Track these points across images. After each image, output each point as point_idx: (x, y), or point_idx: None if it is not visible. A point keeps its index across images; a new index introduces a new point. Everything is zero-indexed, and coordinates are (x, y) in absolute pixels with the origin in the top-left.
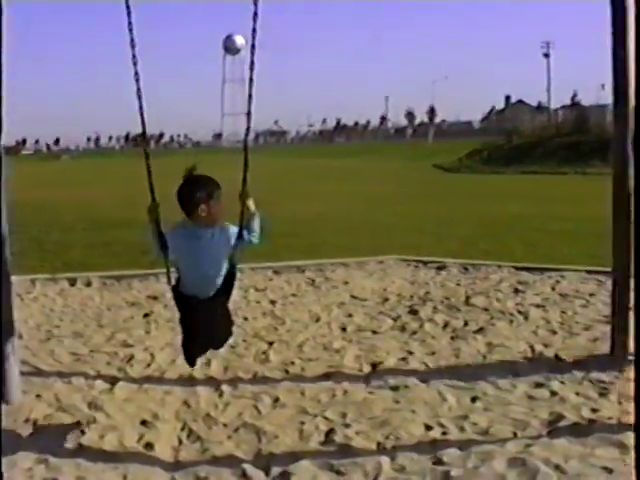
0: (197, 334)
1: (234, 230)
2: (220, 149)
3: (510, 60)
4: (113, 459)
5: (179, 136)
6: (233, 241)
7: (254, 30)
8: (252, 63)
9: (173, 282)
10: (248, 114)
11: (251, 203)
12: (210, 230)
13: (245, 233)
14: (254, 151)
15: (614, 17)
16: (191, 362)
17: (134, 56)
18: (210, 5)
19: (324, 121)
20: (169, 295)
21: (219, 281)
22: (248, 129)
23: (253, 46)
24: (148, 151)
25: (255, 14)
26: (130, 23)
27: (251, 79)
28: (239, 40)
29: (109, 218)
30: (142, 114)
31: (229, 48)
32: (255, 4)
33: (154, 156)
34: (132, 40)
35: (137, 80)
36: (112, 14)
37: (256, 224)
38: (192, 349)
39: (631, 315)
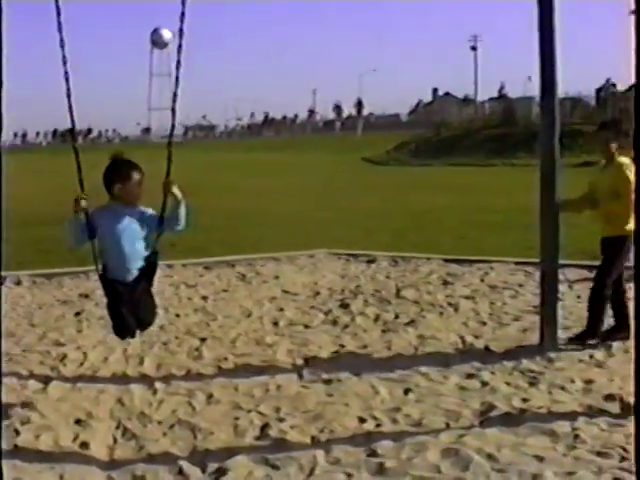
0: (122, 315)
1: (153, 215)
2: (149, 144)
3: (437, 53)
4: (49, 459)
5: (107, 131)
6: (153, 225)
7: (181, 30)
8: (178, 62)
9: (100, 270)
10: (173, 111)
11: (177, 191)
12: (128, 210)
13: (168, 221)
14: (183, 146)
15: (541, 11)
16: (122, 336)
17: (64, 56)
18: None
19: (252, 115)
20: (100, 293)
21: (139, 264)
22: (173, 126)
23: (180, 46)
24: (77, 147)
25: (182, 14)
26: (60, 23)
27: (177, 78)
28: (166, 34)
29: (38, 215)
30: (71, 112)
31: (156, 42)
32: (183, 4)
33: (83, 151)
34: (61, 40)
35: (67, 79)
36: (37, 12)
37: (182, 211)
38: (121, 329)
39: (560, 305)
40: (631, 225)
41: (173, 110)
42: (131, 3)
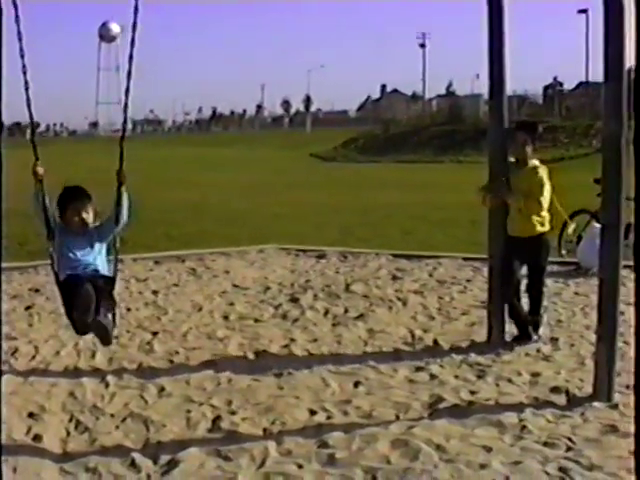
0: (80, 304)
1: (104, 225)
2: (96, 138)
3: (386, 50)
4: (2, 452)
5: (55, 125)
6: (108, 232)
7: (134, 24)
8: (131, 57)
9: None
10: (125, 106)
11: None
12: (84, 234)
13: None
14: (132, 140)
15: (490, 8)
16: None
17: (21, 49)
18: None
19: (200, 110)
20: (50, 287)
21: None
22: (125, 119)
23: (133, 39)
24: (30, 139)
25: (136, 7)
26: (17, 17)
27: (129, 72)
28: (115, 28)
29: None
30: (29, 105)
31: (104, 36)
32: None
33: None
34: (19, 32)
35: (24, 73)
36: None
37: (124, 202)
38: (78, 320)
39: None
40: (547, 227)
41: (125, 104)
42: None
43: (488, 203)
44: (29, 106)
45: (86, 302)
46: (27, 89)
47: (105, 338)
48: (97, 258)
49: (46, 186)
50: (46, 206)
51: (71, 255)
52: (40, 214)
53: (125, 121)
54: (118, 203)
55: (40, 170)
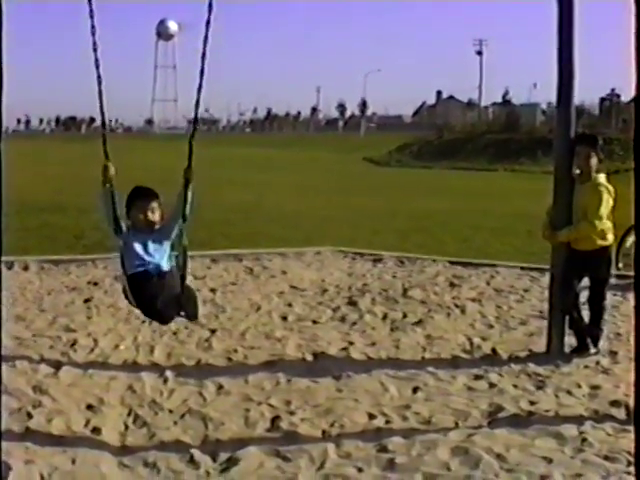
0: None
1: (173, 222)
2: (152, 135)
3: (443, 56)
4: (61, 443)
5: (110, 121)
6: (174, 230)
7: (208, 22)
8: (204, 55)
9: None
10: (197, 103)
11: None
12: (151, 233)
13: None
14: (185, 138)
15: (560, 17)
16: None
17: (94, 43)
18: None
19: (255, 110)
20: (109, 281)
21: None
22: (196, 118)
23: (206, 37)
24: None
25: (210, 5)
26: (91, 10)
27: (202, 69)
28: (172, 26)
29: (41, 202)
30: (101, 99)
31: (162, 34)
32: None
33: (86, 140)
34: (92, 27)
35: (97, 67)
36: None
37: (190, 199)
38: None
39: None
40: (609, 240)
41: (197, 102)
42: None
43: (550, 240)
44: (101, 100)
45: (155, 295)
46: (100, 83)
47: (193, 312)
48: (163, 256)
49: (115, 186)
50: (115, 205)
51: (137, 253)
52: (110, 213)
53: (196, 119)
54: (184, 200)
55: (111, 170)
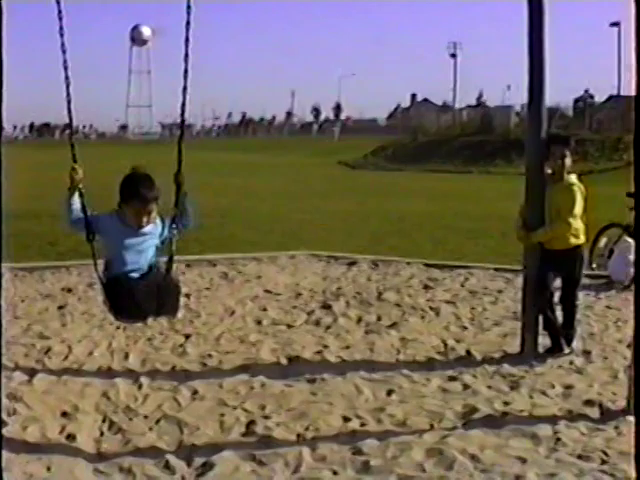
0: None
1: (163, 226)
2: (126, 141)
3: (417, 59)
4: (36, 450)
5: (84, 127)
6: (164, 233)
7: (188, 23)
8: (186, 55)
9: (101, 268)
10: (182, 105)
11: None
12: (143, 230)
13: (180, 219)
14: (161, 144)
15: (530, 18)
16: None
17: (63, 44)
18: None
19: (229, 115)
20: (82, 288)
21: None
22: (182, 121)
23: (187, 39)
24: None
25: (188, 6)
26: (60, 12)
27: (186, 70)
28: (146, 31)
29: (14, 209)
30: (69, 103)
31: (136, 39)
32: None
33: (60, 146)
34: (61, 28)
35: (65, 68)
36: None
37: (190, 207)
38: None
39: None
40: (581, 239)
41: (183, 104)
42: None
43: (524, 241)
44: (69, 102)
45: (136, 302)
46: (68, 85)
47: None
48: (149, 259)
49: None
50: (85, 210)
51: (122, 255)
52: (79, 218)
53: (182, 122)
54: (177, 206)
55: (79, 173)
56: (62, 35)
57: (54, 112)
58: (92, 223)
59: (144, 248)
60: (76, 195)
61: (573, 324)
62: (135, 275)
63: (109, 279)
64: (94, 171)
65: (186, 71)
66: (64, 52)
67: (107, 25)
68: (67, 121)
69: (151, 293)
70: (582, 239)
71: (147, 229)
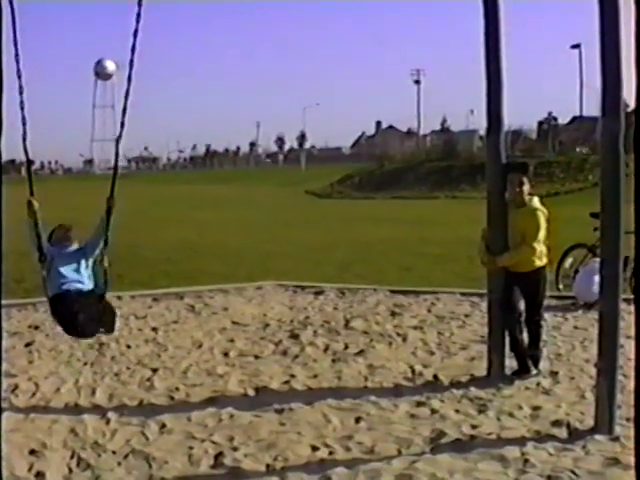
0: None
1: (94, 242)
2: (92, 176)
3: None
4: None
5: (50, 162)
6: (95, 249)
7: (131, 61)
8: (127, 93)
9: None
10: (118, 137)
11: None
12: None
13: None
14: (127, 177)
15: (487, 45)
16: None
17: (20, 86)
18: (80, 30)
19: (194, 147)
20: (49, 324)
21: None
22: (117, 152)
23: (129, 77)
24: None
25: (133, 46)
26: (17, 55)
27: (124, 108)
28: (110, 65)
29: None
30: (25, 140)
31: (100, 73)
32: (134, 36)
33: (26, 182)
34: (18, 70)
35: (22, 108)
36: None
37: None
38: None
39: (506, 334)
40: (544, 261)
41: (119, 136)
42: (74, 34)
43: (488, 265)
44: (25, 140)
45: (76, 315)
46: (24, 124)
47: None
48: (83, 275)
49: (40, 220)
50: (40, 237)
51: (60, 273)
52: (34, 240)
53: (117, 153)
54: (107, 225)
55: (35, 204)
56: (20, 77)
57: (20, 148)
58: (43, 252)
59: (76, 267)
60: (33, 225)
61: (538, 345)
62: (71, 291)
63: (51, 296)
64: (62, 206)
65: (125, 109)
66: (21, 94)
67: (71, 60)
68: (33, 157)
69: (90, 314)
70: (545, 261)
71: (76, 250)
